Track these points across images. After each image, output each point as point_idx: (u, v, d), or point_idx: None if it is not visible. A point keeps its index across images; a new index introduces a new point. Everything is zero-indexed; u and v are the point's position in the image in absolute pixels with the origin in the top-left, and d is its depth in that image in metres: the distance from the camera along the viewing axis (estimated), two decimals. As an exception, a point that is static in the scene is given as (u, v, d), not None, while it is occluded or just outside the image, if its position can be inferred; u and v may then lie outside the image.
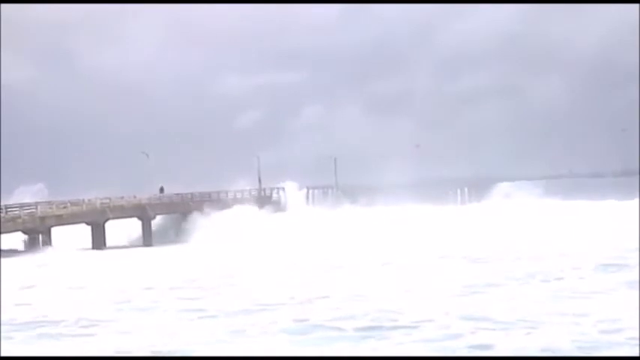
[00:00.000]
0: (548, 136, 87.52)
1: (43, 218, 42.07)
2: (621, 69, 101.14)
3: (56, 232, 42.81)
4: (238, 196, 57.43)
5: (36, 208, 42.57)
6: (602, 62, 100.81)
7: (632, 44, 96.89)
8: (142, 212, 50.53)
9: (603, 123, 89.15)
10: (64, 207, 44.62)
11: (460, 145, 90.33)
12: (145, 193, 52.49)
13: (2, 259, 33.08)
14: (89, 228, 45.22)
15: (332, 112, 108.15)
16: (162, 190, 55.87)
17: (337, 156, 68.16)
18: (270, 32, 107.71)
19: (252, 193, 59.29)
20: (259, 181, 62.01)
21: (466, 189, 72.45)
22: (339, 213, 53.81)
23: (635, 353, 12.38)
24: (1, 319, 17.60)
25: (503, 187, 73.55)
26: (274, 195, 60.99)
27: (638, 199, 47.12)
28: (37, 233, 41.46)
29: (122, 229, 48.79)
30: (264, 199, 59.45)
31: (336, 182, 66.27)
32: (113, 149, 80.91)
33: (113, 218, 47.38)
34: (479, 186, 72.62)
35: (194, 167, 74.53)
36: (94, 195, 47.85)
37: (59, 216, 43.58)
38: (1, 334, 15.95)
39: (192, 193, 54.91)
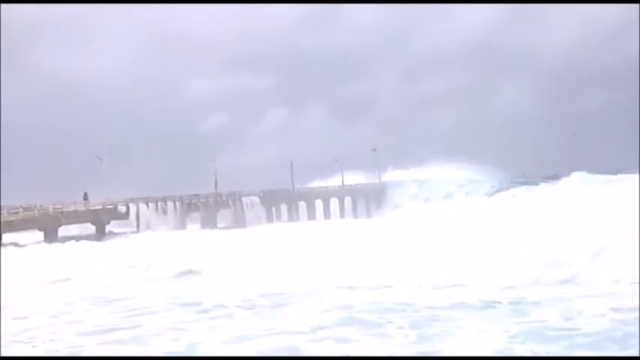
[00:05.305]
0: (504, 140, 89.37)
1: (-7, 224, 40.56)
2: (580, 75, 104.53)
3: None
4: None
5: (-15, 214, 41.03)
6: (562, 68, 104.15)
7: (590, 50, 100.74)
8: (96, 217, 49.27)
9: (555, 127, 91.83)
10: (16, 212, 43.03)
11: (414, 148, 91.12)
12: (100, 198, 50.97)
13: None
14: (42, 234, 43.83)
15: (295, 117, 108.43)
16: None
17: (297, 160, 67.75)
18: (236, 35, 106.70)
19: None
20: (215, 186, 61.08)
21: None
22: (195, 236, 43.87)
23: (635, 353, 12.40)
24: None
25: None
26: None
27: None
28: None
29: None
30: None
31: (293, 186, 65.83)
32: (68, 154, 78.67)
33: (66, 224, 46.17)
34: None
35: (154, 172, 73.17)
36: (47, 200, 46.30)
37: (10, 222, 42.02)
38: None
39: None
